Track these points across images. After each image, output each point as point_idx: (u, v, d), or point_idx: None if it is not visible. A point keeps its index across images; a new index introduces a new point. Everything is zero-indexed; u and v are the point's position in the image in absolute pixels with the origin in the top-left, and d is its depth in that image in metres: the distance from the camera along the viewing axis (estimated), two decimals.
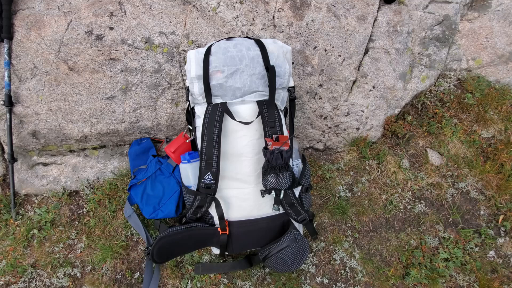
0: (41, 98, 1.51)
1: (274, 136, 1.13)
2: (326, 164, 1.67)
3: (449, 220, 1.56)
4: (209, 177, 1.15)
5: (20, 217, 1.62)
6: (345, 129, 1.68)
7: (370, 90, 1.63)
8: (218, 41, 1.21)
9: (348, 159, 1.68)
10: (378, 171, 1.64)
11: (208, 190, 1.18)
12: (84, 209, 1.62)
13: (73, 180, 1.68)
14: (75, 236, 1.56)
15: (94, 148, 1.69)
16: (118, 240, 1.53)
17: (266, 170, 1.10)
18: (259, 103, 1.16)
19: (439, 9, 1.73)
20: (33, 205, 1.65)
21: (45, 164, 1.71)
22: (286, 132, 1.20)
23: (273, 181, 1.10)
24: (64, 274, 1.48)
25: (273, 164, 1.08)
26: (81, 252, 1.53)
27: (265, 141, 1.13)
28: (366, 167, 1.66)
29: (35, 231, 1.58)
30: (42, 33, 1.47)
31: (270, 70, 1.13)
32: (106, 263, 1.49)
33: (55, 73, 1.48)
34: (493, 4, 1.86)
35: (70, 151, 1.70)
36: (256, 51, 1.17)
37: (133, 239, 1.54)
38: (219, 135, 1.12)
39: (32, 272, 1.49)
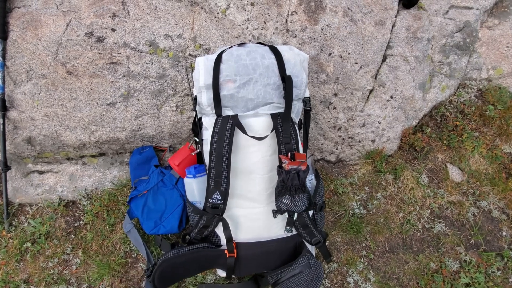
0: (37, 103, 1.42)
1: (289, 154, 1.03)
2: (339, 178, 1.57)
3: (471, 242, 1.46)
4: (218, 196, 1.06)
5: (13, 228, 1.52)
6: (359, 141, 1.58)
7: (388, 100, 1.53)
8: (230, 47, 1.11)
9: (363, 172, 1.58)
10: (394, 186, 1.54)
11: (215, 210, 1.09)
12: (81, 222, 1.52)
13: (70, 189, 1.58)
14: (71, 251, 1.47)
15: (93, 156, 1.60)
16: (117, 257, 1.43)
17: (281, 191, 1.00)
18: (274, 116, 1.06)
19: (459, 15, 1.64)
20: (27, 215, 1.56)
21: (40, 172, 1.61)
22: (301, 148, 1.10)
23: (287, 203, 1.00)
24: None
25: (289, 185, 0.98)
26: (76, 268, 1.44)
27: (280, 159, 1.03)
28: (382, 182, 1.56)
29: (29, 244, 1.48)
30: (39, 34, 1.37)
31: (287, 81, 1.03)
32: (103, 281, 1.40)
33: (53, 77, 1.38)
34: None
35: (68, 159, 1.60)
36: (271, 59, 1.07)
37: (133, 256, 1.45)
38: (229, 151, 1.02)
39: None
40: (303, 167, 0.98)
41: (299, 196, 0.99)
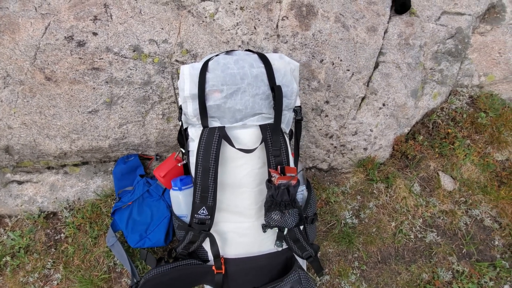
0: (14, 111, 1.34)
1: (279, 167, 0.99)
2: (330, 187, 1.54)
3: (463, 251, 1.45)
4: (204, 212, 1.01)
5: None
6: (351, 149, 1.55)
7: (380, 108, 1.50)
8: (217, 55, 1.06)
9: (355, 181, 1.55)
10: (386, 195, 1.52)
11: (202, 226, 1.04)
12: (62, 234, 1.45)
13: (51, 200, 1.51)
14: (52, 265, 1.40)
15: (75, 165, 1.53)
16: (100, 271, 1.37)
17: (270, 206, 0.96)
18: (263, 127, 1.01)
19: (451, 21, 1.62)
20: (6, 228, 1.48)
21: (19, 182, 1.53)
22: (292, 161, 1.06)
23: (277, 219, 0.96)
24: None
25: (278, 201, 0.94)
26: (57, 284, 1.37)
27: (269, 173, 0.99)
28: (374, 191, 1.53)
29: (8, 258, 1.41)
30: (17, 37, 1.29)
31: (276, 91, 0.98)
32: None
33: (30, 83, 1.31)
34: (507, 17, 1.76)
35: (48, 168, 1.53)
36: (261, 68, 1.02)
37: (116, 270, 1.39)
38: (216, 165, 0.98)
39: None
40: (294, 182, 0.94)
41: (289, 212, 0.95)
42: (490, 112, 1.63)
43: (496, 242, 1.46)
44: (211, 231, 1.07)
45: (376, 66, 1.49)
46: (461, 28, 1.64)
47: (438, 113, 1.63)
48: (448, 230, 1.48)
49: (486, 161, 1.56)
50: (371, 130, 1.52)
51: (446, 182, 1.53)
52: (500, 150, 1.58)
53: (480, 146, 1.58)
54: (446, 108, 1.65)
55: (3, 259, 1.41)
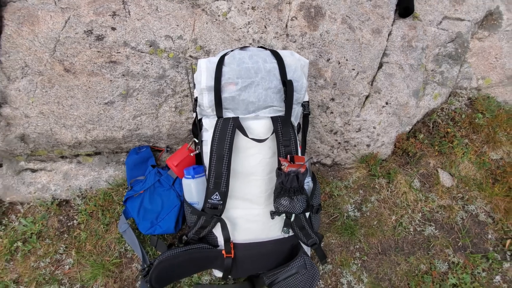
0: (32, 100, 1.39)
1: (288, 156, 1.05)
2: (334, 181, 1.60)
3: (459, 244, 1.51)
4: (217, 197, 1.07)
5: (3, 227, 1.48)
6: (355, 145, 1.61)
7: (383, 106, 1.57)
8: (232, 50, 1.12)
9: (357, 176, 1.61)
10: (388, 190, 1.58)
11: (214, 211, 1.09)
12: (75, 221, 1.50)
13: (64, 188, 1.56)
14: (64, 250, 1.44)
15: (88, 155, 1.58)
16: (111, 257, 1.42)
17: (279, 193, 1.02)
18: (274, 119, 1.08)
19: (452, 26, 1.70)
20: (18, 214, 1.52)
21: (33, 170, 1.58)
22: (300, 152, 1.12)
23: (286, 205, 1.02)
24: None
25: (288, 187, 1.00)
26: (69, 268, 1.41)
27: (279, 161, 1.05)
28: (376, 186, 1.60)
29: (19, 243, 1.45)
30: (36, 30, 1.35)
31: (288, 85, 1.05)
32: (97, 281, 1.38)
33: (49, 74, 1.37)
34: (503, 24, 1.85)
35: (62, 157, 1.57)
36: (273, 63, 1.09)
37: (127, 256, 1.44)
38: (230, 153, 1.04)
39: None
40: (302, 170, 1.00)
41: (298, 198, 1.01)
42: (486, 113, 1.70)
43: (490, 236, 1.53)
44: (222, 217, 1.13)
45: (380, 66, 1.56)
46: (461, 33, 1.72)
47: (438, 113, 1.71)
48: (446, 224, 1.55)
49: (482, 160, 1.63)
50: (374, 128, 1.59)
51: (445, 178, 1.60)
52: (495, 149, 1.66)
53: (477, 145, 1.66)
54: (446, 109, 1.72)
55: (14, 245, 1.45)
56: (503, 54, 1.83)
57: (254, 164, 1.10)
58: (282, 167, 1.03)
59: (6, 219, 1.50)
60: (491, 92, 1.83)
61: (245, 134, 1.04)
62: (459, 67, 1.77)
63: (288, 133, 1.06)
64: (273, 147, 1.10)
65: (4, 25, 1.33)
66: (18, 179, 1.56)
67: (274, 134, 1.07)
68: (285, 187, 1.01)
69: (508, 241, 1.53)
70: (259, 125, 1.08)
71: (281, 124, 1.07)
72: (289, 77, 1.09)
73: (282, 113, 1.10)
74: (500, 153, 1.68)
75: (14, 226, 1.48)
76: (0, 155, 1.49)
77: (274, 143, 1.09)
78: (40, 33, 1.35)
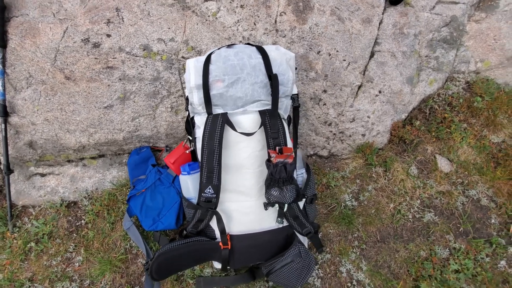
0: (37, 108, 1.47)
1: (277, 148, 1.08)
2: (331, 172, 1.62)
3: (460, 230, 1.50)
4: (210, 190, 1.11)
5: (17, 229, 1.58)
6: (350, 136, 1.62)
7: (376, 95, 1.57)
8: (219, 49, 1.16)
9: (354, 166, 1.62)
10: (385, 178, 1.59)
11: (209, 204, 1.14)
12: (83, 221, 1.57)
13: (71, 190, 1.64)
14: (73, 249, 1.52)
15: (93, 158, 1.65)
16: (117, 253, 1.48)
17: (270, 184, 1.05)
18: (262, 113, 1.11)
19: (446, 10, 1.68)
20: (30, 217, 1.62)
21: (42, 175, 1.67)
22: (290, 143, 1.15)
23: (276, 195, 1.05)
24: None
25: (277, 178, 1.03)
26: (79, 265, 1.49)
27: (268, 153, 1.08)
28: (373, 175, 1.60)
29: (33, 244, 1.54)
30: (37, 41, 1.42)
31: (273, 79, 1.08)
32: (105, 277, 1.45)
33: (51, 82, 1.44)
34: (501, 4, 1.80)
35: (68, 161, 1.66)
36: (258, 58, 1.12)
37: (133, 252, 1.50)
38: (220, 147, 1.07)
39: (29, 287, 1.45)
40: (290, 160, 1.03)
41: (287, 187, 1.04)
42: (486, 96, 1.67)
43: (493, 221, 1.51)
44: (217, 209, 1.17)
45: (372, 55, 1.56)
46: (455, 16, 1.69)
47: (434, 99, 1.69)
48: (445, 210, 1.53)
49: (482, 143, 1.61)
50: (369, 117, 1.59)
51: (443, 164, 1.59)
52: (496, 132, 1.63)
53: (476, 129, 1.63)
54: (443, 94, 1.70)
55: (28, 245, 1.54)
56: (502, 35, 1.79)
57: (245, 157, 1.13)
58: (271, 158, 1.06)
59: (20, 221, 1.60)
60: (491, 75, 1.80)
61: (234, 129, 1.08)
62: (455, 51, 1.74)
63: (276, 126, 1.09)
64: (263, 140, 1.13)
65: (9, 39, 1.41)
66: (29, 183, 1.66)
67: (262, 127, 1.10)
68: (275, 178, 1.04)
69: None
70: (247, 119, 1.11)
71: (268, 117, 1.10)
72: (274, 71, 1.12)
73: (269, 107, 1.13)
74: (501, 136, 1.65)
75: (27, 228, 1.57)
76: (12, 161, 1.58)
77: (263, 136, 1.12)
78: (41, 44, 1.42)
